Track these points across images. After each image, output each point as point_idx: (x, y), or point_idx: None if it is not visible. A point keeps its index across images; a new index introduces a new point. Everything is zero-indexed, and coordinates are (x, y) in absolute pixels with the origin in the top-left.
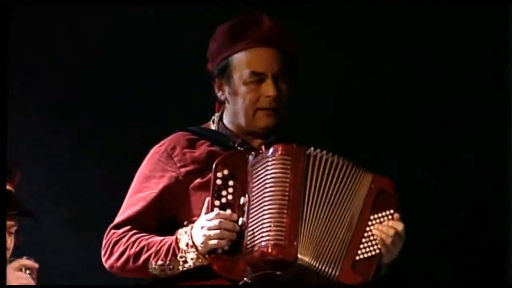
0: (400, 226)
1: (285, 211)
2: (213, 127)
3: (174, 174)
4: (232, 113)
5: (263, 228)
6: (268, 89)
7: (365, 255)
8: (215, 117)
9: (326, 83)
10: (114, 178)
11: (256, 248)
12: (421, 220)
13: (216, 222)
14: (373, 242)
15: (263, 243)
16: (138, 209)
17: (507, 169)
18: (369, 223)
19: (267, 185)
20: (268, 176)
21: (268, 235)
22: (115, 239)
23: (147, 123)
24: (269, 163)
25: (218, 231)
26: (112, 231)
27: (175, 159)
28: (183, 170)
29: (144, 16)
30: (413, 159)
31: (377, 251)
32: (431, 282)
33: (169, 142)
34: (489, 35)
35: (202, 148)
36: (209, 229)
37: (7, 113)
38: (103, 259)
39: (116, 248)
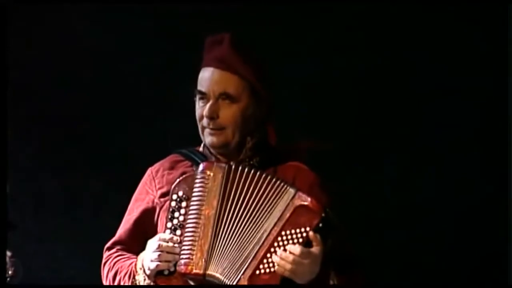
0: (296, 251)
1: (199, 228)
2: (201, 148)
3: (152, 196)
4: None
5: (183, 246)
6: (206, 110)
7: (267, 270)
8: None
9: (326, 83)
10: (77, 190)
11: (178, 268)
12: (421, 220)
13: (156, 245)
14: (270, 265)
15: (181, 261)
16: (121, 232)
17: (507, 169)
18: (279, 238)
19: (192, 204)
20: (193, 195)
21: (183, 253)
22: (104, 261)
23: (115, 137)
24: (196, 182)
25: (157, 254)
26: (105, 253)
27: (156, 181)
28: (159, 192)
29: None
30: (413, 159)
31: (272, 272)
32: (431, 282)
33: (158, 164)
34: (489, 35)
35: (179, 170)
36: (151, 251)
37: (7, 114)
38: None
39: (103, 270)
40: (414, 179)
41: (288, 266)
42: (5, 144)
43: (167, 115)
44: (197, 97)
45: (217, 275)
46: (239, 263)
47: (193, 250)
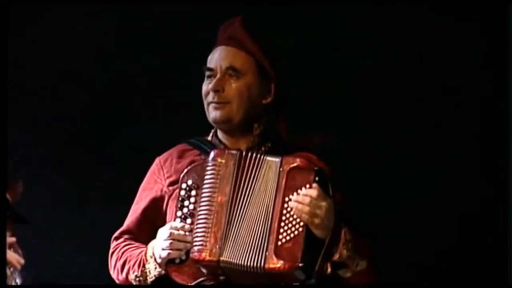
0: (314, 192)
1: (212, 215)
2: (209, 137)
3: (160, 185)
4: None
5: (195, 234)
6: (212, 84)
7: (287, 238)
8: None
9: (325, 83)
10: (85, 187)
11: (191, 255)
12: (421, 220)
13: (167, 233)
14: (293, 223)
15: (194, 248)
16: (129, 222)
17: (507, 169)
18: (285, 205)
19: (203, 192)
20: (205, 182)
21: (196, 241)
22: (111, 251)
23: (122, 134)
24: (206, 170)
25: (169, 242)
26: (113, 242)
27: (164, 170)
28: (167, 181)
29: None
30: (413, 159)
31: (300, 229)
32: (431, 282)
33: (166, 154)
34: (489, 35)
35: (189, 158)
36: (163, 240)
37: (7, 114)
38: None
39: (111, 259)
40: (414, 179)
41: (307, 209)
42: (5, 145)
43: (175, 112)
44: (206, 75)
45: (235, 260)
46: (259, 243)
47: (207, 237)
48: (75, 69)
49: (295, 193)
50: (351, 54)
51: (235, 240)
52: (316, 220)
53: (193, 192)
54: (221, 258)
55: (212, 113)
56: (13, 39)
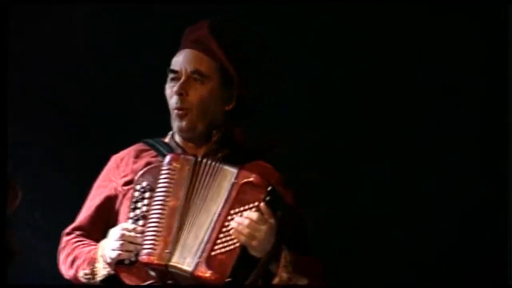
0: (255, 216)
1: (163, 220)
2: (167, 139)
3: (115, 184)
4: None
5: (146, 237)
6: (176, 87)
7: (222, 250)
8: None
9: (325, 83)
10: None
11: (140, 258)
12: (421, 220)
13: (119, 234)
14: (231, 237)
15: (143, 252)
16: (82, 219)
17: (507, 169)
18: (228, 217)
19: (157, 195)
20: (159, 186)
21: (146, 244)
22: (62, 246)
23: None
24: (161, 173)
25: (120, 243)
26: (63, 238)
27: (120, 169)
28: (123, 180)
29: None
30: (413, 159)
31: (236, 245)
32: (431, 282)
33: (123, 153)
34: (489, 35)
35: (144, 159)
36: (114, 241)
37: (7, 114)
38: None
39: (61, 255)
40: (414, 179)
41: (246, 231)
42: (5, 145)
43: None
44: (169, 77)
45: (179, 265)
46: (196, 249)
47: (157, 241)
48: (75, 69)
49: (242, 208)
50: (351, 54)
51: (183, 246)
52: (254, 243)
53: (147, 194)
54: (169, 263)
55: (177, 123)
56: (13, 39)
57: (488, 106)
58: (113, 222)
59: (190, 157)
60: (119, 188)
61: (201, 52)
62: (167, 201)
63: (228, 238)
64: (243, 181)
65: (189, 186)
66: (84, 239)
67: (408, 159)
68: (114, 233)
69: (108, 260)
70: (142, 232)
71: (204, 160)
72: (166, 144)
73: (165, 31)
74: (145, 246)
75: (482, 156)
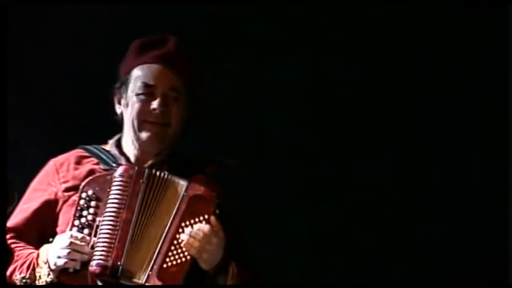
0: (205, 228)
1: (116, 232)
2: (108, 147)
3: (54, 189)
4: (125, 126)
5: (97, 248)
6: (155, 103)
7: (174, 262)
8: (116, 136)
9: (325, 83)
10: None
11: (90, 268)
12: (421, 220)
13: (66, 242)
14: (182, 250)
15: (93, 262)
16: (18, 220)
17: (507, 169)
18: (180, 230)
19: (109, 206)
20: (111, 197)
21: (97, 255)
22: None
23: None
24: (114, 184)
25: (67, 251)
26: None
27: (60, 174)
28: (63, 186)
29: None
30: (413, 159)
31: (187, 257)
32: (431, 282)
33: (62, 158)
34: (489, 35)
35: (87, 166)
36: (60, 248)
37: (7, 112)
38: None
39: None
40: (414, 179)
41: (196, 244)
42: (5, 145)
43: None
44: (141, 91)
45: (133, 278)
46: (147, 261)
47: (109, 252)
48: (75, 69)
49: (192, 220)
50: (351, 54)
51: (135, 258)
52: (204, 255)
53: (93, 203)
54: (121, 275)
55: (145, 133)
56: (13, 39)
57: (488, 106)
58: (50, 227)
59: (143, 170)
60: (60, 194)
61: (172, 69)
62: (119, 213)
63: (179, 250)
64: (193, 194)
65: (142, 199)
66: (19, 241)
67: (408, 159)
68: (61, 241)
69: (53, 267)
70: (92, 243)
71: (157, 173)
72: (107, 151)
73: (165, 31)
74: (96, 257)
75: (482, 156)
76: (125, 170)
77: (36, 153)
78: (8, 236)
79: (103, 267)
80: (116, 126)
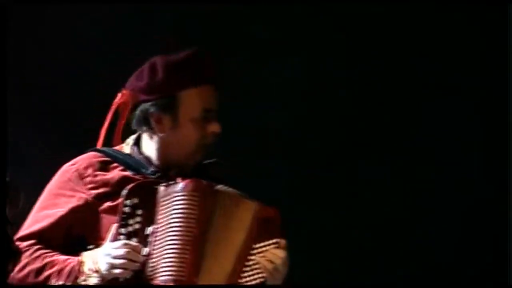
0: (283, 254)
1: (189, 247)
2: (127, 150)
3: (83, 196)
4: (165, 144)
5: (166, 262)
6: (216, 126)
7: (248, 283)
8: (131, 140)
9: (325, 83)
10: None
11: (157, 281)
12: (421, 221)
13: (122, 251)
14: (255, 272)
15: (164, 277)
16: (44, 225)
17: (507, 169)
18: (252, 252)
19: (175, 220)
20: (176, 211)
21: (170, 270)
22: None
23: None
24: (178, 198)
25: (123, 261)
26: (17, 242)
27: (86, 180)
28: (93, 192)
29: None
30: (413, 159)
31: (260, 279)
32: (431, 282)
33: (82, 162)
34: (489, 35)
35: (115, 172)
36: (115, 257)
37: (7, 112)
38: None
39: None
40: (414, 179)
41: (270, 266)
42: (5, 144)
43: None
44: (198, 116)
45: None
46: (221, 280)
47: (183, 269)
48: (75, 69)
49: (264, 242)
50: (351, 54)
51: (208, 275)
52: (275, 278)
53: (139, 211)
54: None
55: (198, 154)
56: (13, 39)
57: (488, 106)
58: (76, 234)
59: (206, 184)
60: (90, 200)
61: (214, 86)
62: (186, 226)
63: (254, 272)
64: (263, 216)
65: (210, 214)
66: (44, 246)
67: (408, 159)
68: (114, 249)
69: (105, 276)
70: (145, 253)
71: (222, 188)
72: (129, 156)
73: (166, 31)
74: (166, 271)
75: (482, 156)
76: (191, 185)
77: (36, 153)
78: (32, 241)
79: (180, 284)
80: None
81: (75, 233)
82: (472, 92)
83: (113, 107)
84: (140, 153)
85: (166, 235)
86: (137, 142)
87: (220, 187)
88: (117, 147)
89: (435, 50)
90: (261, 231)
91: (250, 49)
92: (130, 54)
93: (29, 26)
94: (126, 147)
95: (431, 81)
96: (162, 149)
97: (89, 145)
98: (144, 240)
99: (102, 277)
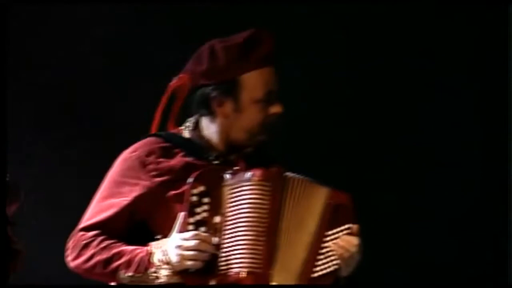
0: (356, 240)
1: (262, 238)
2: (186, 134)
3: (147, 183)
4: (227, 127)
5: (239, 253)
6: (278, 107)
7: (322, 272)
8: (190, 124)
9: (324, 83)
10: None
11: (231, 272)
12: (421, 220)
13: (193, 243)
14: (330, 259)
15: (238, 269)
16: (109, 215)
17: (507, 169)
18: (326, 239)
19: (245, 209)
20: (246, 201)
21: (244, 261)
22: (84, 242)
23: (127, 131)
24: (247, 187)
25: (194, 252)
26: (81, 232)
27: (149, 167)
28: (157, 180)
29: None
30: (413, 159)
31: (334, 267)
32: (431, 282)
33: (143, 149)
34: (489, 35)
35: (178, 158)
36: (186, 249)
37: (6, 111)
38: (68, 259)
39: (85, 251)
40: (414, 179)
41: (346, 254)
42: (5, 143)
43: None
44: (261, 98)
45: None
46: (295, 269)
47: (257, 260)
48: (76, 68)
49: (336, 229)
50: (350, 54)
51: (282, 265)
52: (348, 265)
53: (206, 200)
54: (272, 284)
55: (261, 136)
56: (13, 39)
57: (488, 106)
58: (139, 222)
59: (284, 174)
60: (154, 188)
61: (272, 68)
62: (258, 217)
63: (327, 259)
64: (335, 202)
65: (285, 204)
66: (108, 236)
67: (408, 159)
68: (186, 241)
69: (176, 268)
70: (215, 243)
71: (298, 178)
72: (190, 141)
73: (167, 30)
74: (240, 262)
75: (482, 156)
76: (260, 173)
77: (38, 153)
78: (96, 232)
79: (255, 275)
80: (116, 125)
81: (138, 221)
82: (472, 92)
83: (169, 91)
84: (201, 137)
85: (236, 225)
86: (196, 126)
87: (289, 174)
88: (175, 131)
89: (435, 50)
90: (333, 217)
91: None
92: (131, 53)
93: (30, 25)
94: (185, 131)
95: (431, 81)
96: (223, 133)
97: (89, 145)
98: (212, 229)
99: (173, 268)
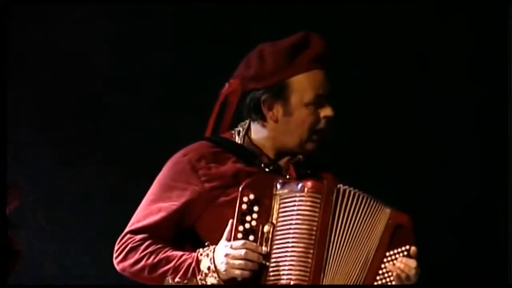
0: (414, 263)
1: (311, 250)
2: (237, 140)
3: (197, 188)
4: (278, 131)
5: (288, 264)
6: (329, 110)
7: None
8: (241, 128)
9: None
10: (89, 187)
11: (278, 282)
12: (421, 220)
13: (242, 252)
14: (388, 280)
15: (286, 280)
16: (158, 219)
17: (507, 169)
18: (384, 259)
19: (295, 221)
20: (296, 212)
21: (293, 273)
22: (131, 245)
23: (127, 131)
24: (298, 199)
25: (242, 262)
26: (129, 235)
27: (199, 172)
28: (207, 185)
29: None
30: (413, 159)
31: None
32: (431, 282)
33: (194, 153)
34: (489, 35)
35: (228, 164)
36: (234, 258)
37: (6, 111)
38: (116, 261)
39: (132, 254)
40: (414, 180)
41: (403, 275)
42: (5, 143)
43: (181, 113)
44: (311, 102)
45: None
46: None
47: (306, 273)
48: (76, 69)
49: (396, 250)
50: (351, 55)
51: (333, 280)
52: (406, 284)
53: (255, 208)
54: None
55: (311, 144)
56: (13, 39)
57: (488, 106)
58: (186, 225)
59: (328, 184)
60: (204, 194)
61: (323, 70)
62: (308, 229)
63: (384, 281)
64: (396, 223)
65: (332, 216)
66: (156, 240)
67: (408, 159)
68: (235, 250)
69: (224, 277)
70: (264, 252)
71: (344, 188)
72: (241, 147)
73: (165, 31)
74: (288, 273)
75: (482, 156)
76: (313, 185)
77: (38, 153)
78: (144, 235)
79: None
80: (116, 125)
81: (185, 225)
82: (472, 92)
83: (221, 97)
84: (251, 142)
85: (285, 236)
86: (247, 131)
87: (342, 186)
88: (226, 135)
89: (435, 50)
90: (392, 238)
91: (250, 49)
92: (132, 53)
93: (30, 26)
94: (236, 136)
95: (431, 81)
96: (274, 138)
97: (89, 145)
98: (261, 238)
99: (220, 277)
